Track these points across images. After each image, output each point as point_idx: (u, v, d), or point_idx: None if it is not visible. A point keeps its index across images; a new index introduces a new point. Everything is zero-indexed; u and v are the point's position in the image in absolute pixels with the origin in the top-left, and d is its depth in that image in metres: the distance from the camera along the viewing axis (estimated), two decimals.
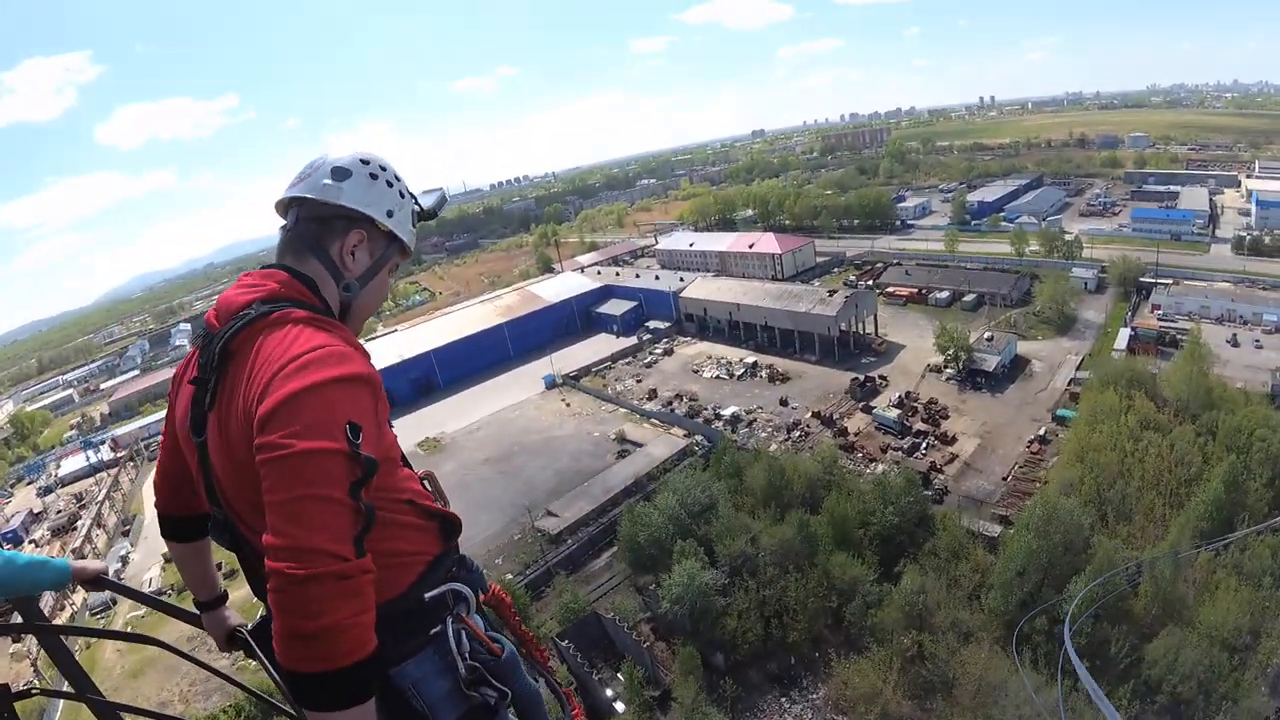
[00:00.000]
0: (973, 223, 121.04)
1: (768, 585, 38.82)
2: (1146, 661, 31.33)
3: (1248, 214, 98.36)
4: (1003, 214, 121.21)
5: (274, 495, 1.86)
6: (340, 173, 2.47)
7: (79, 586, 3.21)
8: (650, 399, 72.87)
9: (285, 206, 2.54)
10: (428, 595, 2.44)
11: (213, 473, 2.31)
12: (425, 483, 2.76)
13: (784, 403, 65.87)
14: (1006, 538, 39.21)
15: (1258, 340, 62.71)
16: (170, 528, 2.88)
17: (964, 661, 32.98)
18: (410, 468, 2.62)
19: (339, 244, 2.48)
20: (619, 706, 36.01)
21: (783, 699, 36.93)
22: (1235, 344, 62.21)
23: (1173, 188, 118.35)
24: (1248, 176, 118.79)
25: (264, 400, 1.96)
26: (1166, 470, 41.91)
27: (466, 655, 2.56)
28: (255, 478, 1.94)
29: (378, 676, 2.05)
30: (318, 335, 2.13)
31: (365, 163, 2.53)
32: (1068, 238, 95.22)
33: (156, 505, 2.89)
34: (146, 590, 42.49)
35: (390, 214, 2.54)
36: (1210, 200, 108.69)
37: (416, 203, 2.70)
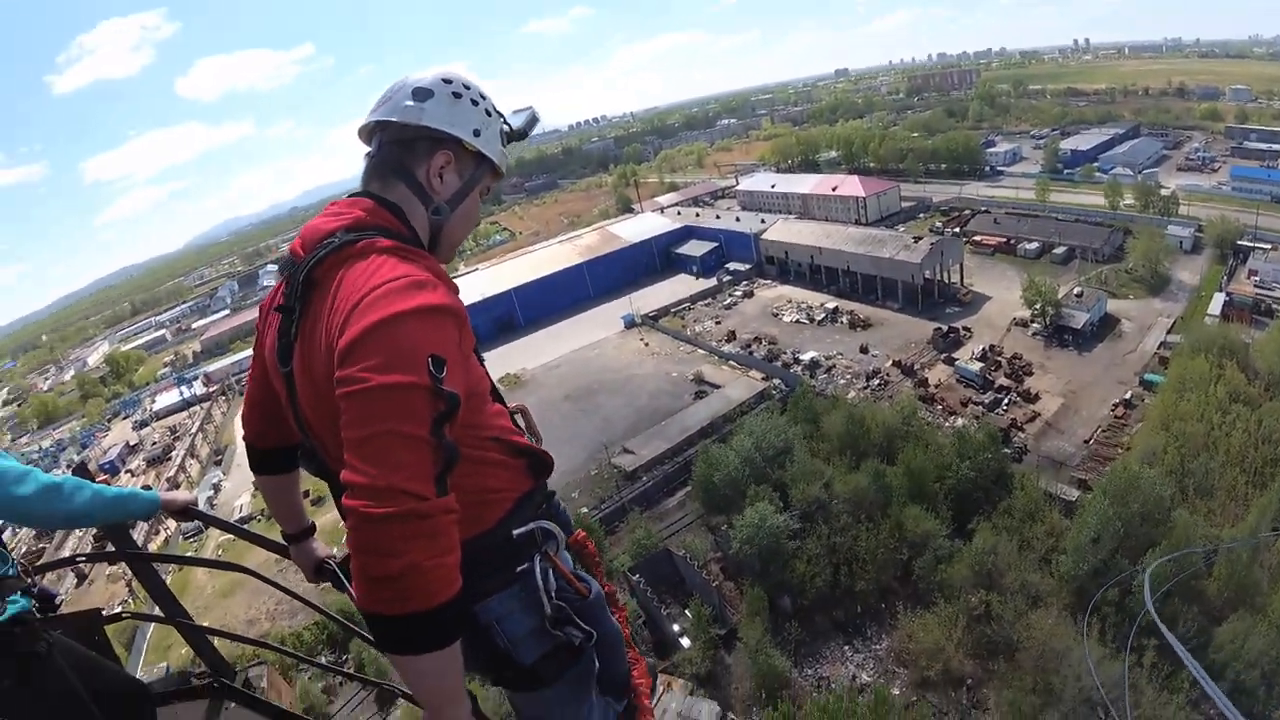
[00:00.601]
0: (1065, 172, 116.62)
1: (839, 533, 38.83)
2: (1213, 645, 30.72)
3: None
4: (1096, 164, 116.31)
5: (352, 431, 1.85)
6: (422, 93, 2.39)
7: (169, 516, 3.36)
8: (729, 341, 72.83)
9: (369, 133, 2.50)
10: (516, 532, 2.44)
11: (299, 402, 2.30)
12: (517, 417, 2.79)
13: (864, 350, 65.40)
14: (1084, 502, 38.51)
15: None
16: (258, 460, 2.88)
17: (1030, 625, 32.65)
18: (502, 402, 2.63)
19: (425, 166, 2.40)
20: (685, 642, 36.71)
21: (846, 647, 37.20)
22: None
23: (1275, 146, 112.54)
24: None
25: (344, 332, 1.93)
26: (1253, 447, 40.60)
27: (553, 593, 2.54)
28: (338, 410, 1.92)
29: (462, 620, 1.96)
30: (401, 265, 2.08)
31: (448, 81, 2.43)
32: (1164, 193, 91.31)
33: (245, 437, 2.88)
34: (235, 516, 44.27)
35: (477, 133, 2.45)
36: None
37: (505, 122, 2.60)
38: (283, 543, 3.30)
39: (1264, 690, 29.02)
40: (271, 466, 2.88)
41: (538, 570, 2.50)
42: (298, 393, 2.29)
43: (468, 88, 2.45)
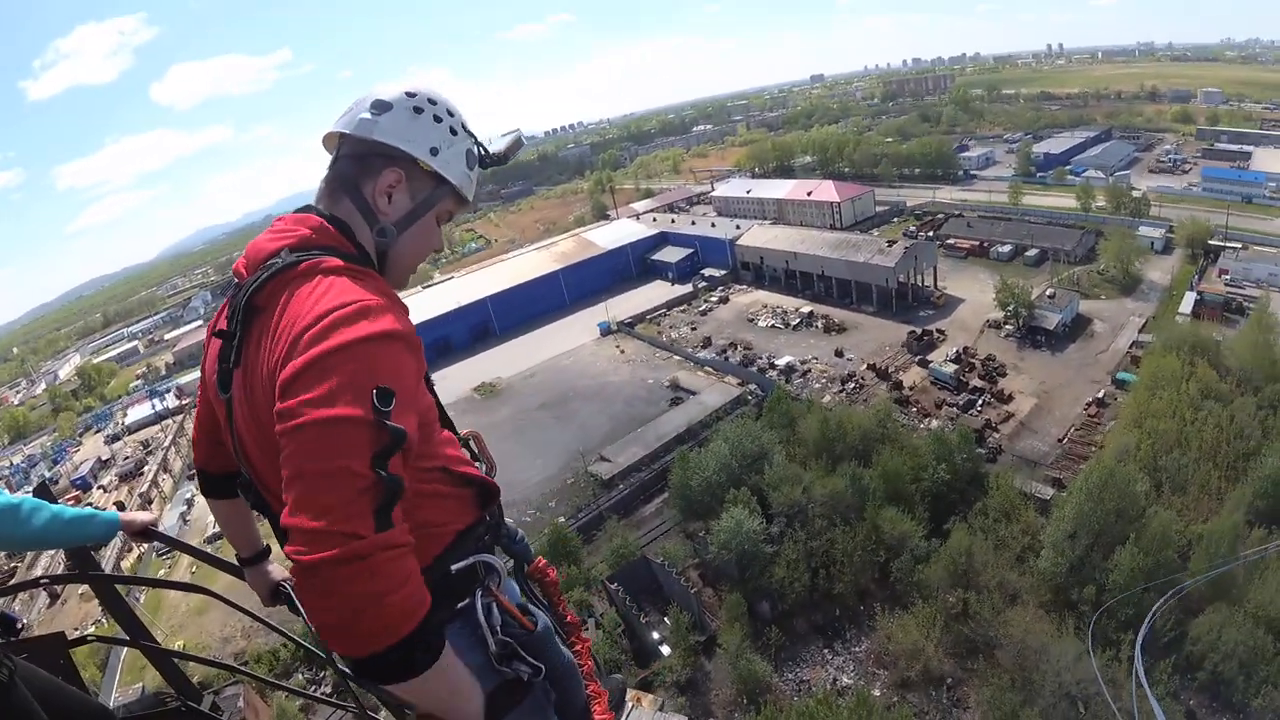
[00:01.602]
0: (1038, 175, 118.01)
1: (816, 536, 38.89)
2: (1190, 637, 31.13)
3: None
4: (1069, 167, 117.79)
5: (288, 468, 1.76)
6: (380, 106, 2.26)
7: (130, 538, 3.24)
8: (704, 347, 72.98)
9: (333, 143, 2.36)
10: (454, 567, 2.31)
11: (237, 431, 2.22)
12: (471, 443, 2.73)
13: (839, 354, 65.61)
14: (1059, 500, 38.84)
15: None
16: (208, 484, 2.79)
17: (1007, 622, 33.04)
18: (452, 428, 2.52)
19: (373, 183, 2.26)
20: (664, 649, 36.60)
21: (826, 650, 37.23)
22: None
23: (1246, 148, 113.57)
24: None
25: (287, 364, 1.84)
26: (1225, 442, 41.07)
27: (498, 629, 2.47)
28: (278, 444, 1.84)
29: (440, 631, 1.93)
30: (350, 288, 1.97)
31: (411, 95, 2.30)
32: (1135, 194, 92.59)
33: (195, 461, 2.80)
34: (207, 534, 43.92)
35: (435, 151, 2.29)
36: None
37: (478, 144, 2.45)
38: (238, 565, 3.21)
39: (1243, 679, 29.33)
40: (222, 491, 2.78)
41: (479, 606, 2.43)
42: (236, 422, 2.21)
43: (433, 103, 2.33)
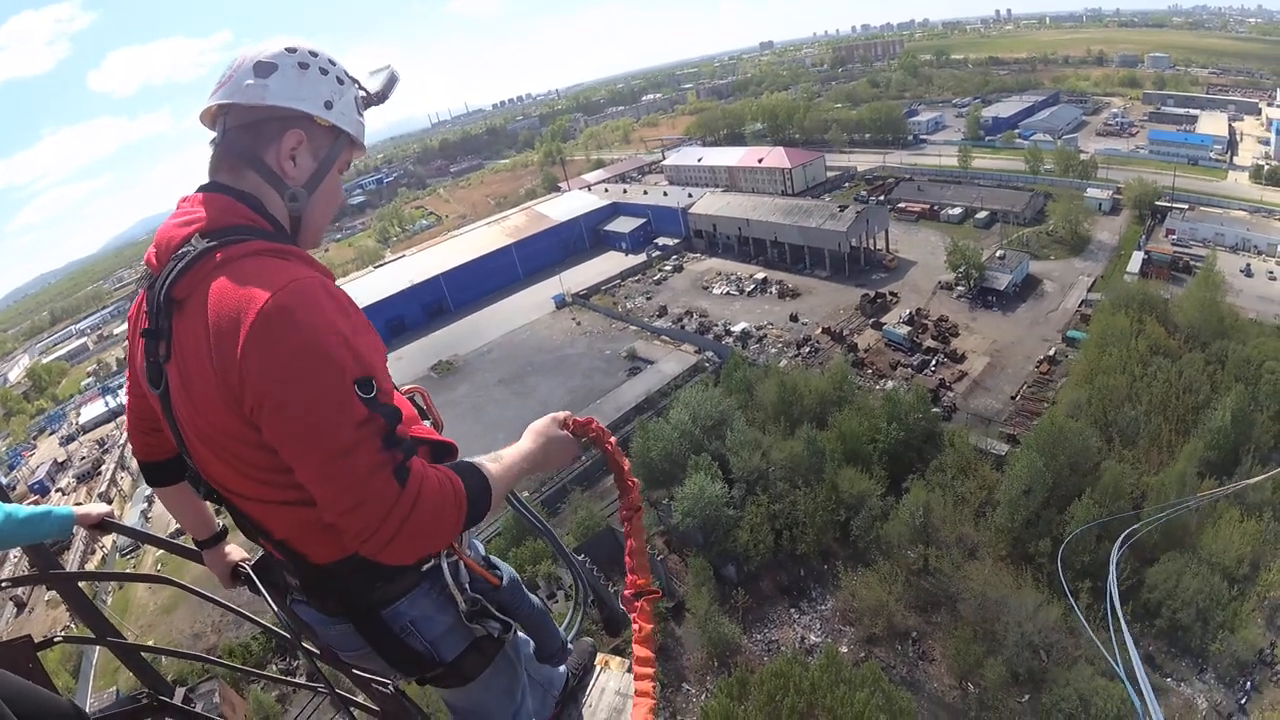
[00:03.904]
0: (986, 139, 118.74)
1: (778, 499, 39.47)
2: (1147, 585, 32.08)
3: (1267, 143, 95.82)
4: (1017, 131, 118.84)
5: (301, 467, 1.88)
6: (264, 68, 2.13)
7: (87, 531, 3.21)
8: (660, 316, 72.89)
9: (212, 118, 2.21)
10: None
11: (179, 425, 2.16)
12: (418, 398, 2.72)
13: (794, 319, 65.99)
14: (1014, 456, 39.47)
15: (1271, 271, 61.84)
16: (151, 473, 2.70)
17: (967, 576, 33.80)
18: (394, 386, 2.44)
19: (275, 150, 2.16)
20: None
21: (792, 610, 37.93)
22: (1249, 274, 61.41)
23: (1192, 111, 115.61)
24: (1269, 104, 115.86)
25: (249, 377, 1.81)
26: (1174, 397, 42.09)
27: (466, 587, 2.52)
28: (229, 438, 1.97)
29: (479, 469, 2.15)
30: (274, 274, 1.90)
31: (292, 51, 2.18)
32: (1083, 157, 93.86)
33: (134, 452, 2.72)
34: (170, 530, 42.91)
35: (329, 105, 2.20)
36: (1230, 126, 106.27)
37: (361, 87, 2.36)
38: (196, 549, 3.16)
39: (1200, 626, 30.25)
40: (166, 478, 2.70)
41: (445, 567, 2.48)
42: (176, 416, 2.14)
43: (315, 55, 2.21)
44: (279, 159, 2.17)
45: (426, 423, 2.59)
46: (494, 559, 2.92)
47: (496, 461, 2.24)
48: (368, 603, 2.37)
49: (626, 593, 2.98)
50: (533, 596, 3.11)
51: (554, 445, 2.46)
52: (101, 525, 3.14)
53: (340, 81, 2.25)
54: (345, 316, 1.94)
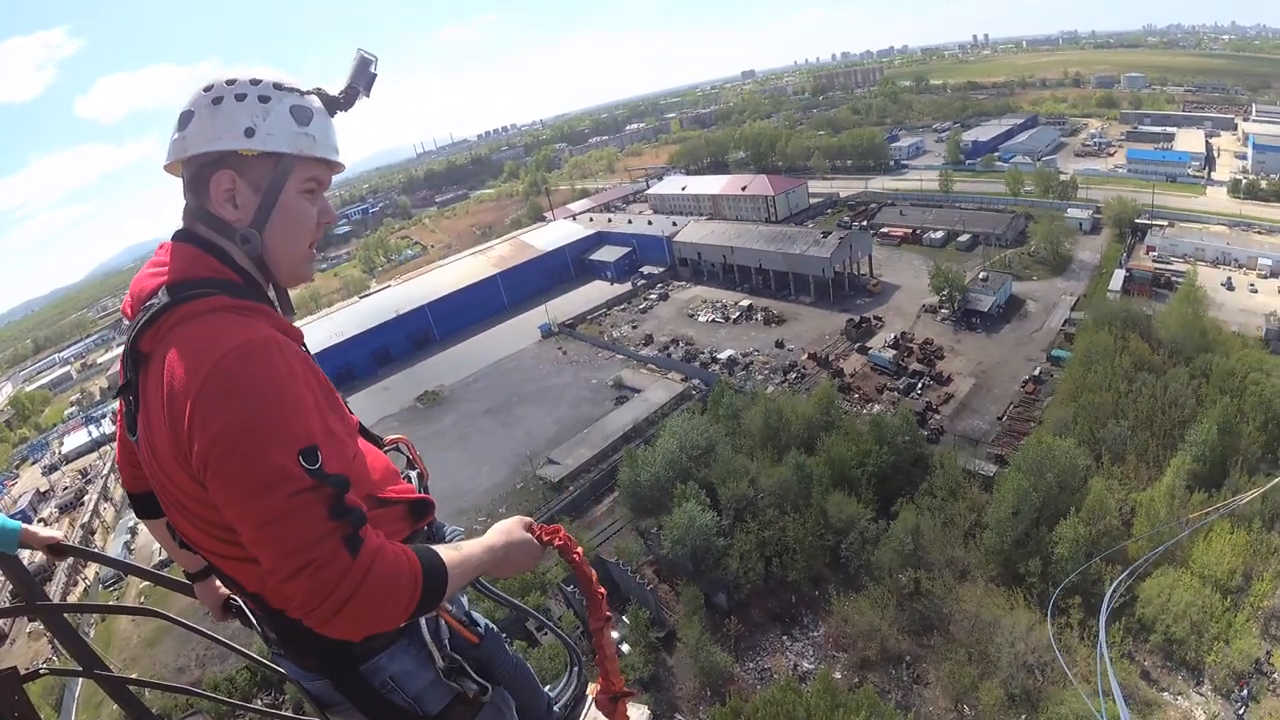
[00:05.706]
0: (967, 162, 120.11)
1: (767, 526, 39.31)
2: (1140, 600, 31.98)
3: (1244, 157, 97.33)
4: (997, 154, 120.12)
5: (243, 529, 1.80)
6: (184, 118, 2.04)
7: (39, 551, 3.08)
8: (646, 344, 73.00)
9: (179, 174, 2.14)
10: None
11: (148, 474, 2.14)
12: (401, 447, 2.70)
13: (780, 345, 66.06)
14: (1002, 477, 39.52)
15: (1252, 284, 62.55)
16: (140, 506, 2.63)
17: (959, 599, 33.81)
18: (375, 439, 2.51)
19: (209, 198, 2.04)
20: (624, 648, 36.42)
21: (784, 637, 37.62)
22: (1230, 287, 62.12)
23: (1169, 129, 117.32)
24: (1244, 120, 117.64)
25: (194, 439, 1.77)
26: (1160, 412, 42.19)
27: (445, 645, 2.47)
28: (185, 494, 1.95)
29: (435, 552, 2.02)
30: (225, 336, 1.84)
31: (207, 89, 2.05)
32: (1063, 178, 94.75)
33: (123, 484, 2.69)
34: (154, 562, 42.43)
35: (250, 132, 2.01)
36: (1206, 143, 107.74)
37: (310, 91, 2.16)
38: (185, 581, 3.07)
39: (1195, 639, 30.18)
40: (154, 510, 2.56)
41: (423, 623, 2.41)
42: (145, 467, 2.13)
43: (231, 83, 2.05)
44: (214, 205, 2.06)
45: (413, 472, 2.58)
46: (475, 614, 2.82)
47: (456, 550, 2.13)
48: (346, 658, 2.30)
49: (602, 695, 2.91)
50: (513, 654, 2.98)
51: (515, 548, 2.31)
52: (58, 549, 3.05)
53: (264, 100, 2.05)
54: (294, 380, 1.87)
